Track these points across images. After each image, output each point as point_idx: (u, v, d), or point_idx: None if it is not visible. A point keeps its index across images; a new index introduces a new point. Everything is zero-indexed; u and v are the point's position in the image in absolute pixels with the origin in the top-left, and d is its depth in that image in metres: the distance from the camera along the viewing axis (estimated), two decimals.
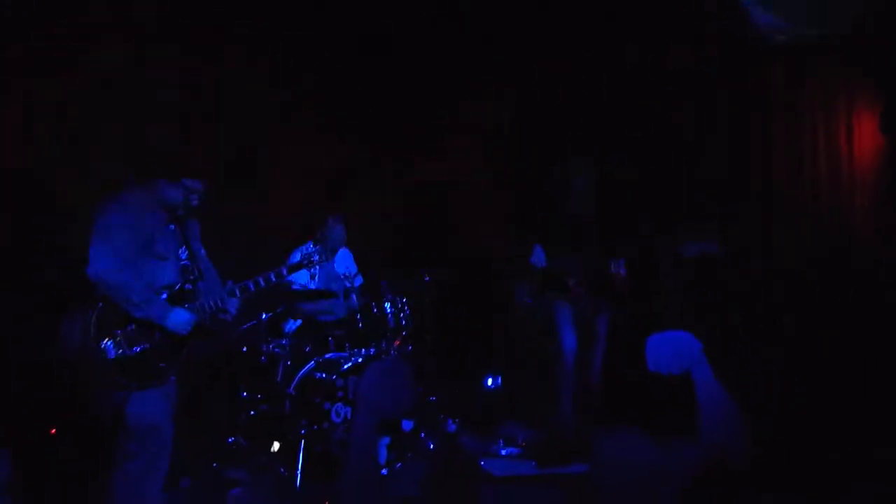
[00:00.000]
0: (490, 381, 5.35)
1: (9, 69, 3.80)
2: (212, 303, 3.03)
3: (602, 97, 5.35)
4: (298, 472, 3.70)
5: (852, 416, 3.54)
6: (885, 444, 3.17)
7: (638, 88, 5.26)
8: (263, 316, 4.29)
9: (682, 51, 4.88)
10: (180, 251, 3.03)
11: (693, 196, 4.98)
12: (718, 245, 4.04)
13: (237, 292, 3.12)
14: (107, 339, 2.74)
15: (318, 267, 4.84)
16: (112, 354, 2.74)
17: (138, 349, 2.81)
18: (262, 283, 3.17)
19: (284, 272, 3.29)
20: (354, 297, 4.95)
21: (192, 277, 3.03)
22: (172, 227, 3.03)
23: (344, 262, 5.11)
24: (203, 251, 3.17)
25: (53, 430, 3.51)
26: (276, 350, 4.31)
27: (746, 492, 2.15)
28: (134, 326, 2.81)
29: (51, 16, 3.88)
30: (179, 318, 2.90)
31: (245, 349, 4.32)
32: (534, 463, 3.97)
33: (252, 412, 4.23)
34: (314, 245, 4.34)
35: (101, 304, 2.75)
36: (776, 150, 4.69)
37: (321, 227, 4.87)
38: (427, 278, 4.82)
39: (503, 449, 4.28)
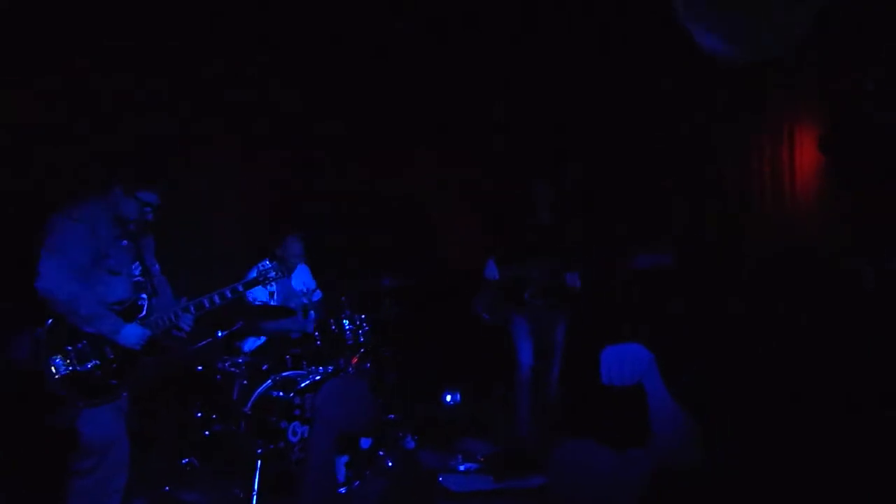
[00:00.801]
0: (449, 398, 5.36)
1: None
2: (165, 319, 3.00)
3: (560, 113, 5.47)
4: (254, 493, 3.64)
5: (807, 421, 3.65)
6: (840, 449, 3.27)
7: (594, 104, 5.39)
8: (219, 333, 4.22)
9: (634, 68, 5.02)
10: (133, 267, 3.00)
11: (645, 209, 5.10)
12: (671, 257, 4.13)
13: (192, 308, 3.10)
14: (56, 356, 2.69)
15: (276, 284, 4.84)
16: (63, 371, 2.69)
17: (89, 365, 2.77)
18: (217, 299, 3.16)
19: (240, 288, 3.28)
20: (313, 313, 4.92)
21: (145, 293, 3.01)
22: (125, 242, 2.99)
23: (301, 277, 5.07)
24: (157, 267, 3.14)
25: None
26: (232, 368, 4.24)
27: (700, 499, 2.21)
28: (85, 342, 2.77)
29: None
30: (131, 334, 2.87)
31: (200, 367, 4.24)
32: (491, 478, 3.99)
33: (206, 432, 4.15)
34: (271, 262, 4.30)
35: (50, 320, 2.70)
36: (723, 165, 4.85)
37: (279, 244, 4.83)
38: (386, 296, 4.82)
39: (462, 464, 4.28)
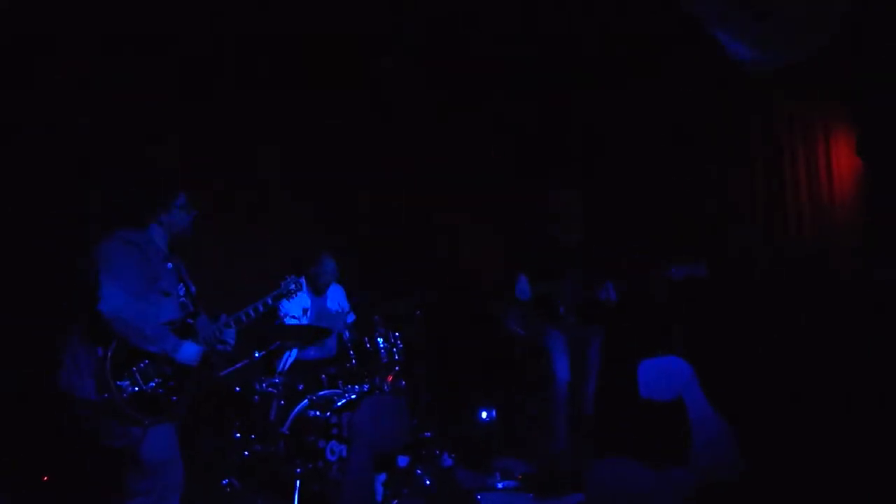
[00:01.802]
0: (485, 414, 5.33)
1: None
2: (211, 335, 3.08)
3: (589, 125, 5.46)
4: None
5: (843, 432, 3.56)
6: (879, 459, 3.18)
7: (623, 116, 5.37)
8: (256, 354, 4.27)
9: (664, 79, 5.00)
10: (179, 287, 3.07)
11: (679, 220, 5.05)
12: (706, 268, 4.08)
13: (232, 324, 3.16)
14: (123, 377, 2.76)
15: (310, 302, 4.89)
16: (129, 391, 2.76)
17: (152, 384, 2.83)
18: (252, 313, 3.25)
19: (269, 301, 3.35)
20: (346, 333, 4.96)
21: (190, 313, 3.07)
22: (170, 265, 3.07)
23: (336, 298, 5.12)
24: (193, 289, 3.20)
25: (46, 478, 3.48)
26: (270, 389, 4.27)
27: None
28: (147, 362, 2.84)
29: None
30: (189, 351, 2.94)
31: (238, 388, 4.29)
32: (531, 495, 3.95)
33: (245, 453, 4.18)
34: (296, 276, 4.37)
35: (115, 342, 2.76)
36: (757, 174, 4.78)
37: (314, 263, 4.89)
38: (418, 312, 4.83)
39: (500, 482, 4.25)
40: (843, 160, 4.49)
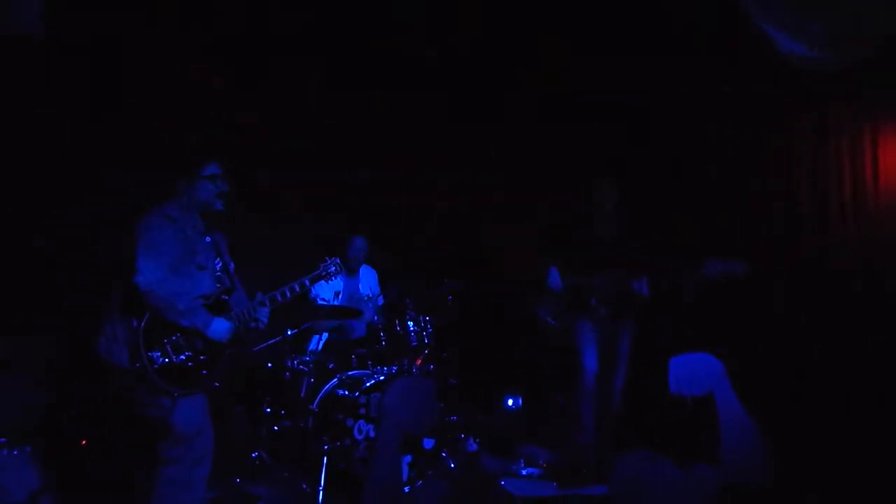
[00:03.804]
0: (511, 402, 5.35)
1: None
2: (245, 312, 3.13)
3: (626, 118, 5.39)
4: (321, 488, 3.73)
5: (877, 433, 3.50)
6: None
7: (662, 110, 5.29)
8: (288, 332, 4.35)
9: (706, 74, 4.90)
10: (216, 262, 3.13)
11: (718, 218, 4.97)
12: (743, 266, 4.01)
13: (267, 302, 3.21)
14: (155, 348, 2.83)
15: (342, 285, 4.96)
16: (160, 363, 2.83)
17: (183, 357, 2.90)
18: (288, 293, 3.31)
19: (307, 283, 3.42)
20: (376, 317, 5.03)
21: (225, 288, 3.14)
22: (209, 238, 3.13)
23: (368, 282, 5.19)
24: (232, 265, 3.26)
25: (84, 442, 3.60)
26: (300, 367, 4.36)
27: None
28: (179, 335, 2.91)
29: None
30: (221, 327, 3.01)
31: (269, 365, 4.38)
32: (554, 484, 3.96)
33: (275, 428, 4.27)
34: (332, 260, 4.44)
35: (148, 314, 2.84)
36: (801, 173, 4.68)
37: (346, 245, 4.98)
38: (450, 297, 4.86)
39: (524, 469, 4.27)
40: (890, 160, 4.36)
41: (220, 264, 3.17)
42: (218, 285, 3.12)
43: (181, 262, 2.95)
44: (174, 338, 2.89)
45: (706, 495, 2.22)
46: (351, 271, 5.09)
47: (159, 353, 2.84)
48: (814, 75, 4.17)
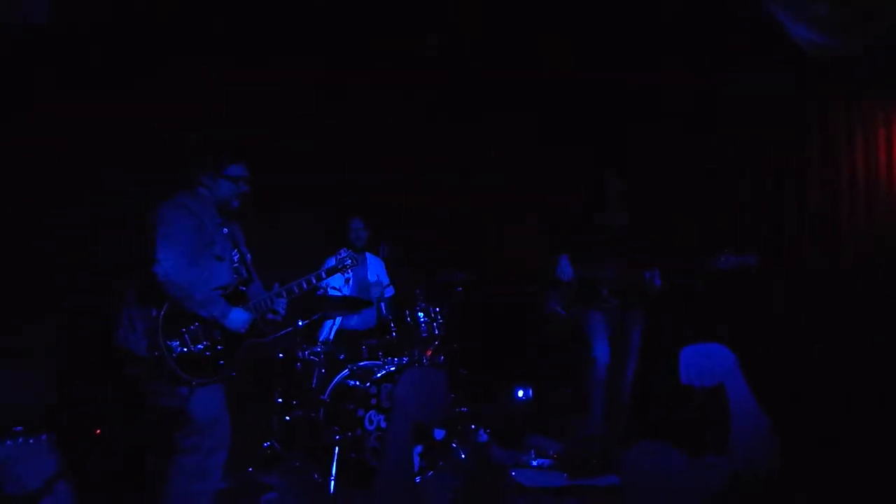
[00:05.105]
0: (521, 393, 5.36)
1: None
2: (262, 303, 3.15)
3: (635, 108, 5.35)
4: (332, 477, 3.76)
5: (886, 428, 3.48)
6: None
7: (675, 100, 5.25)
8: (300, 323, 4.37)
9: (718, 66, 4.86)
10: (233, 253, 3.15)
11: (728, 208, 4.94)
12: (756, 258, 3.99)
13: (283, 293, 3.23)
14: (173, 337, 2.85)
15: (352, 272, 4.98)
16: (177, 352, 2.85)
17: (200, 346, 2.93)
18: (304, 285, 3.32)
19: (323, 275, 3.44)
20: (384, 306, 5.04)
21: (242, 279, 3.15)
22: (226, 230, 3.15)
23: (375, 269, 5.20)
24: (249, 256, 3.28)
25: (98, 431, 3.63)
26: (312, 357, 4.39)
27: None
28: (197, 325, 2.93)
29: None
30: (238, 318, 3.02)
31: (281, 355, 4.41)
32: (565, 475, 3.97)
33: (287, 418, 4.30)
34: (347, 250, 4.46)
35: (167, 303, 2.86)
36: (812, 162, 4.64)
37: (345, 229, 4.99)
38: (459, 289, 4.87)
39: (534, 460, 4.28)
40: None
41: (238, 255, 3.19)
42: (235, 276, 3.14)
43: (199, 252, 2.96)
44: (192, 327, 2.91)
45: (715, 485, 2.21)
46: (357, 251, 5.10)
47: (178, 343, 2.86)
48: (827, 62, 4.12)
